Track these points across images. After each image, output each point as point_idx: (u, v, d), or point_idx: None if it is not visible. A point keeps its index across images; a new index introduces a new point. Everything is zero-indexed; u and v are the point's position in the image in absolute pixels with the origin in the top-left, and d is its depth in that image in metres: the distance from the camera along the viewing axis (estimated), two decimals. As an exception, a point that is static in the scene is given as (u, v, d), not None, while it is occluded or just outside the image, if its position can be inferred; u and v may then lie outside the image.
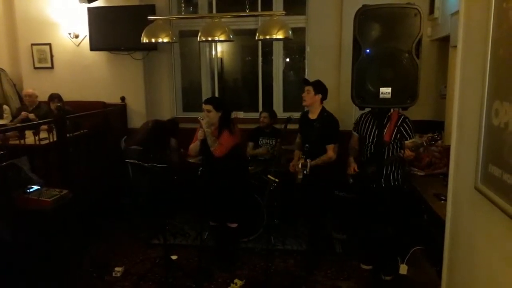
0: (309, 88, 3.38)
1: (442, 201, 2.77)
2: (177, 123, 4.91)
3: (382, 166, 3.06)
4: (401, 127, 3.10)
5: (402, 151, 3.01)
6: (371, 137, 3.22)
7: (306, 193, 3.50)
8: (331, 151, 3.35)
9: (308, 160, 3.22)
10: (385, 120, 2.90)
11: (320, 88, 3.39)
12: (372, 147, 3.23)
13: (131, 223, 4.44)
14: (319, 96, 3.38)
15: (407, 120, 3.12)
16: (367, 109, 3.01)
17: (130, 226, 4.39)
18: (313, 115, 3.44)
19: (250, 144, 4.51)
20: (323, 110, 3.43)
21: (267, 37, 3.57)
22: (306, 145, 3.38)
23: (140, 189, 4.34)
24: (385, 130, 2.99)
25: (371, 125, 3.24)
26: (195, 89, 5.55)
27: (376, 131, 3.15)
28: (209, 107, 3.31)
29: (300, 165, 3.29)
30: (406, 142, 3.07)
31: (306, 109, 3.57)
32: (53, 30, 5.25)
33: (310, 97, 3.37)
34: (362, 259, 3.56)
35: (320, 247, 3.71)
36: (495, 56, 1.44)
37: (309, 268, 3.52)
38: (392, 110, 3.03)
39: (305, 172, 3.21)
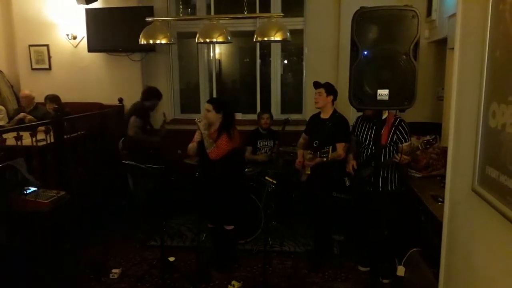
0: (320, 90, 3.46)
1: (440, 203, 2.77)
2: (155, 89, 4.45)
3: (379, 169, 3.06)
4: (397, 130, 3.10)
5: (398, 155, 3.02)
6: (367, 141, 3.23)
7: (311, 191, 3.52)
8: (341, 149, 3.40)
9: (327, 148, 3.23)
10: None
11: (331, 89, 3.48)
12: (368, 150, 3.23)
13: (128, 225, 4.42)
14: (330, 97, 3.46)
15: (403, 123, 3.13)
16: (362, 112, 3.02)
17: (128, 227, 4.38)
18: (325, 115, 3.52)
19: (249, 148, 4.51)
20: (335, 111, 3.51)
21: (265, 39, 3.58)
22: (316, 141, 3.44)
23: (138, 191, 4.32)
24: (381, 133, 2.99)
25: (366, 129, 3.25)
26: (193, 90, 5.55)
27: (372, 134, 3.17)
28: (209, 106, 3.32)
29: (318, 154, 3.29)
30: (403, 145, 3.08)
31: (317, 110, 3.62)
32: (51, 31, 5.24)
33: (322, 99, 3.45)
34: (360, 261, 3.57)
35: (325, 246, 3.73)
36: (492, 58, 1.44)
37: (315, 267, 3.53)
38: (387, 112, 3.04)
39: (325, 159, 3.23)
